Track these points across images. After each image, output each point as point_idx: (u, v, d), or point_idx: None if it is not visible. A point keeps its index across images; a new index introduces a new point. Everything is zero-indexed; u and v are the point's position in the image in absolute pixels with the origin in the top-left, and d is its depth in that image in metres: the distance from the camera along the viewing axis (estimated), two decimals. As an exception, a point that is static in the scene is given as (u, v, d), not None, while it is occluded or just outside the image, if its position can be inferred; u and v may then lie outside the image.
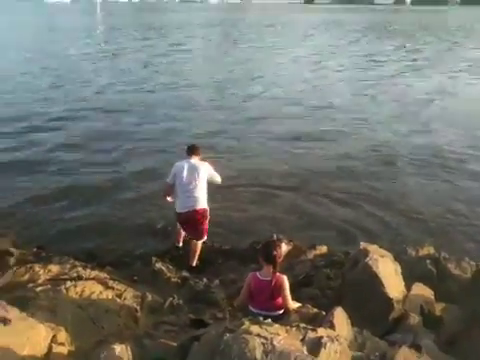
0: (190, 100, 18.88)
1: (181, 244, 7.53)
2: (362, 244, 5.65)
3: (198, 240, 7.02)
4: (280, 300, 4.37)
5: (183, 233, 7.40)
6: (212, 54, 31.32)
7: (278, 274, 4.35)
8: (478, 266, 6.23)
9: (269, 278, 4.32)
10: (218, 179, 6.96)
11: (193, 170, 6.76)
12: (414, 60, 32.91)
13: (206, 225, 6.97)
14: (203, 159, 7.14)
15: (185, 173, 6.78)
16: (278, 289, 4.32)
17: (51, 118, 15.56)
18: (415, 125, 15.96)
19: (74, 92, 19.83)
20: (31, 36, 40.32)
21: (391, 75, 26.29)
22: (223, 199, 8.71)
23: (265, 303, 4.37)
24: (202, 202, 6.81)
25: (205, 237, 7.10)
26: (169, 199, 7.23)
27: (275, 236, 7.27)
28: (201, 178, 6.70)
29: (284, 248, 7.03)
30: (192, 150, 7.01)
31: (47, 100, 18.22)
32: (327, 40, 43.74)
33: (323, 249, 7.08)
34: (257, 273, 4.43)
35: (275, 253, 4.32)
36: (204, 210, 6.86)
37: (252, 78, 24.34)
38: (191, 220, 6.94)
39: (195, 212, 6.81)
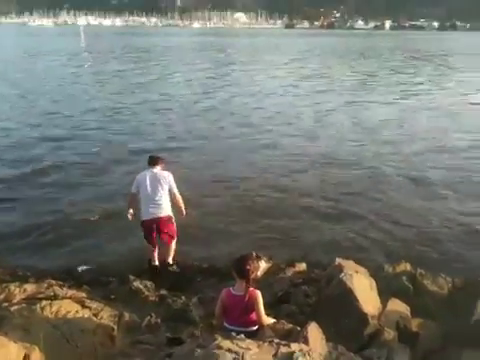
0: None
1: (157, 262, 7.46)
2: (337, 260, 5.68)
3: (169, 242, 7.26)
4: (254, 315, 4.31)
5: (156, 250, 7.40)
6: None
7: (252, 289, 4.29)
8: (454, 282, 6.28)
9: (242, 293, 4.25)
10: (176, 192, 7.13)
11: (156, 180, 7.01)
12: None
13: (173, 228, 7.21)
14: (166, 169, 7.37)
15: (148, 183, 7.04)
16: (252, 304, 4.26)
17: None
18: (400, 145, 16.01)
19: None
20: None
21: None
22: (203, 213, 8.66)
23: (239, 318, 4.31)
24: (166, 210, 7.08)
25: (175, 237, 7.30)
26: (130, 215, 7.30)
27: (254, 253, 7.24)
28: (164, 187, 6.97)
29: (263, 265, 7.06)
30: (153, 160, 7.29)
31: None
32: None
33: (302, 266, 7.08)
34: (231, 288, 4.38)
35: (248, 267, 4.27)
36: (168, 217, 7.12)
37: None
38: (156, 227, 7.12)
39: (160, 219, 7.05)
